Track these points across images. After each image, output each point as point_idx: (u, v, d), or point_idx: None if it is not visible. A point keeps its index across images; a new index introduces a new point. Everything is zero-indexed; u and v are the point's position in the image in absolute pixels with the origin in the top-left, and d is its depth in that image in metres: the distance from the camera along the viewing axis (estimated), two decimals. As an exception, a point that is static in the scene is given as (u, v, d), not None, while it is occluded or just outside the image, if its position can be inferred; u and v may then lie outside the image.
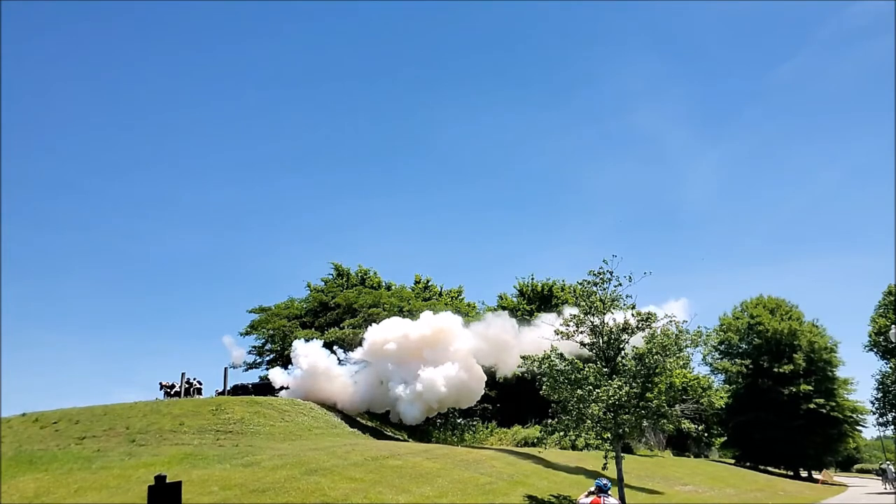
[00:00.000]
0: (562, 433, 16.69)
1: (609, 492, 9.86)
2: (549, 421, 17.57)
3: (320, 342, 29.88)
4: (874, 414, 41.76)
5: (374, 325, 29.44)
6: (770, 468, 43.53)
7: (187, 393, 29.66)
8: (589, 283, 17.48)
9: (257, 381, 32.41)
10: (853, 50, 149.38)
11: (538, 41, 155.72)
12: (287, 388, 28.13)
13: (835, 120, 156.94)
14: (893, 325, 29.45)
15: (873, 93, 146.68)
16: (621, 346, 17.02)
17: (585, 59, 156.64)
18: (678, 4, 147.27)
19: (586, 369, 16.28)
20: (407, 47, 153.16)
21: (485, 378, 27.69)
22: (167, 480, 8.56)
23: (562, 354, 16.96)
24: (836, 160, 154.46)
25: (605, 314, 17.01)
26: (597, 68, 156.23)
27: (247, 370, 37.48)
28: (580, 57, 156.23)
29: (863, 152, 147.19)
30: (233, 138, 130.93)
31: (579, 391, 15.88)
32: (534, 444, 27.55)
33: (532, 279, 45.43)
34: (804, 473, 43.73)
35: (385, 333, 27.81)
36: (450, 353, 27.17)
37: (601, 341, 17.01)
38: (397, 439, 26.19)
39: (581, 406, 15.82)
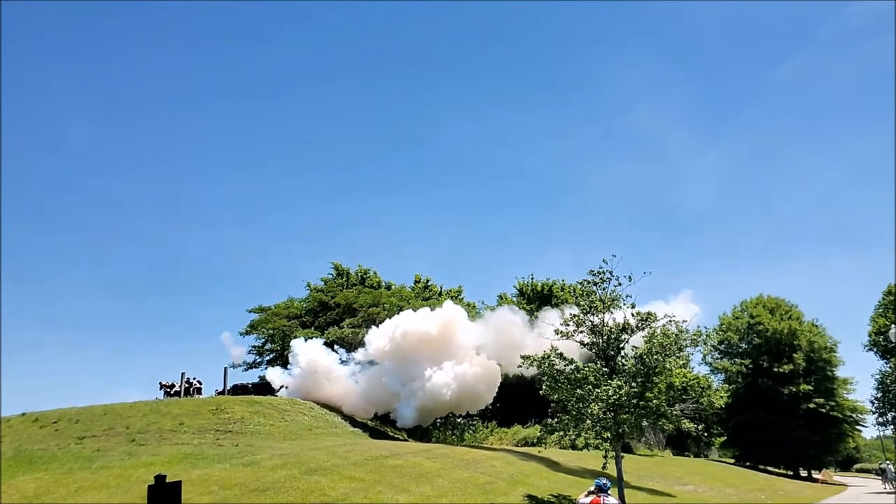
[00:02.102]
0: (561, 433, 16.67)
1: (609, 491, 9.86)
2: (549, 420, 17.56)
3: (320, 341, 29.88)
4: (874, 414, 41.76)
5: (374, 325, 29.37)
6: (770, 468, 43.50)
7: (187, 393, 29.65)
8: (589, 282, 17.48)
9: (257, 380, 32.42)
10: (853, 50, 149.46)
11: (538, 41, 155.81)
12: (286, 387, 28.12)
13: (835, 120, 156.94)
14: (893, 325, 29.42)
15: (873, 93, 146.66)
16: (621, 345, 17.01)
17: (586, 59, 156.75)
18: (678, 5, 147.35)
19: (586, 369, 16.27)
20: (408, 47, 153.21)
21: (498, 379, 27.01)
22: (167, 480, 8.55)
23: (561, 354, 16.95)
24: (837, 160, 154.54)
25: (604, 314, 17.00)
26: (597, 68, 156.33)
27: (247, 370, 37.50)
28: (581, 56, 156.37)
29: (863, 152, 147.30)
30: (233, 138, 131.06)
31: (579, 391, 15.87)
32: (534, 444, 27.51)
33: (532, 279, 45.42)
34: (804, 473, 43.69)
35: (387, 333, 27.72)
36: (453, 352, 26.90)
37: (601, 341, 17.01)
38: (397, 439, 26.17)
39: (581, 406, 15.80)
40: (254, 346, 37.08)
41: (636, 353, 16.49)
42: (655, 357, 16.03)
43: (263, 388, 29.22)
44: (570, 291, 38.11)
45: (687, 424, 16.28)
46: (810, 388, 40.68)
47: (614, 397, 15.42)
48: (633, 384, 15.85)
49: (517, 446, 27.89)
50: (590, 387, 15.87)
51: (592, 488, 9.91)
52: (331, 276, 41.16)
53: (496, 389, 27.28)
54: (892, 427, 41.64)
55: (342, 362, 28.43)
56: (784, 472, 43.86)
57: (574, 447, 27.13)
